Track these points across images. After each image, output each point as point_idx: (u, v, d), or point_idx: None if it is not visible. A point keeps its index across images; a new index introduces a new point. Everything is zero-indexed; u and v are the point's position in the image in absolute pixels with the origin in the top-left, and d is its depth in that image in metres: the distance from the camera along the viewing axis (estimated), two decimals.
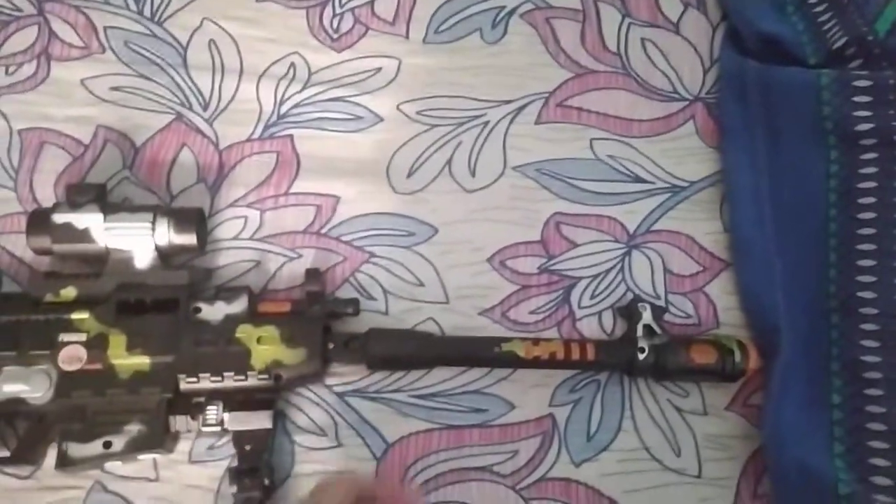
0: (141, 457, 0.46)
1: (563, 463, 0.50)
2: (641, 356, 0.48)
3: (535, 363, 0.48)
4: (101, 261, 0.47)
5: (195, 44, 0.56)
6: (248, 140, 0.55)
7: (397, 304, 0.52)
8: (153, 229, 0.47)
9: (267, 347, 0.46)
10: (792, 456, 0.46)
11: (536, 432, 0.50)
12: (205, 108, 0.55)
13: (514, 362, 0.49)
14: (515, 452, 0.50)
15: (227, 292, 0.48)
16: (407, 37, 0.58)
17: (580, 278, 0.53)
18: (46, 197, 0.52)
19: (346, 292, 0.52)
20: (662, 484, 0.50)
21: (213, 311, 0.47)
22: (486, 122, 0.56)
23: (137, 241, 0.47)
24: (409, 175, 0.54)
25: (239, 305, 0.47)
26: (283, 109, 0.55)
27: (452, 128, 0.56)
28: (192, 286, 0.48)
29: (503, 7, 0.59)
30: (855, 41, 0.52)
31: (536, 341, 0.49)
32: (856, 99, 0.50)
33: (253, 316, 0.47)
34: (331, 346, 0.48)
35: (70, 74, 0.55)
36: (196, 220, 0.48)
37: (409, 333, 0.50)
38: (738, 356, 0.48)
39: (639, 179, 0.55)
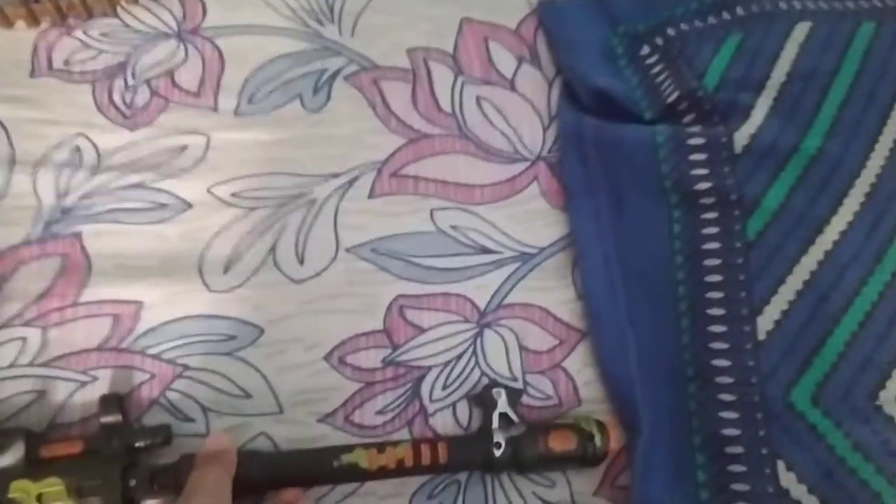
0: None
1: None
2: (498, 452, 0.44)
3: (382, 473, 0.43)
4: None
5: None
6: (25, 244, 0.46)
7: (220, 421, 0.45)
8: None
9: None
10: None
11: None
12: None
13: (358, 475, 0.43)
14: None
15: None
16: (216, 109, 0.51)
17: (430, 367, 0.48)
18: None
19: (155, 417, 0.44)
20: None
21: None
22: (313, 201, 0.50)
23: None
24: (227, 269, 0.47)
25: (13, 455, 0.39)
26: (68, 203, 0.47)
27: (274, 209, 0.49)
28: None
29: (325, 70, 0.53)
30: (686, 96, 0.51)
31: (382, 447, 0.43)
32: (692, 157, 0.48)
33: (32, 466, 0.39)
34: (132, 483, 0.40)
35: None
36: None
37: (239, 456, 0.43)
38: (598, 440, 0.45)
39: (485, 250, 0.51)
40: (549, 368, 0.50)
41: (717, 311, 0.46)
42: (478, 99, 0.55)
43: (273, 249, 0.48)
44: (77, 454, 0.40)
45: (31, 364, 0.43)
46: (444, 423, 0.47)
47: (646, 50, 0.54)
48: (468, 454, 0.44)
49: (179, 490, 0.40)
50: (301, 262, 0.49)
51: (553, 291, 0.51)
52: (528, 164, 0.54)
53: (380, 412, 0.47)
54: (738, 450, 0.43)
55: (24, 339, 0.44)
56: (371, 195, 0.51)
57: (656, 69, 0.53)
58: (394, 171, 0.52)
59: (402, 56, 0.55)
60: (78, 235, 0.46)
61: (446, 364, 0.49)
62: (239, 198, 0.49)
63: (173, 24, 0.52)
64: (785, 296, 0.45)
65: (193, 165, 0.49)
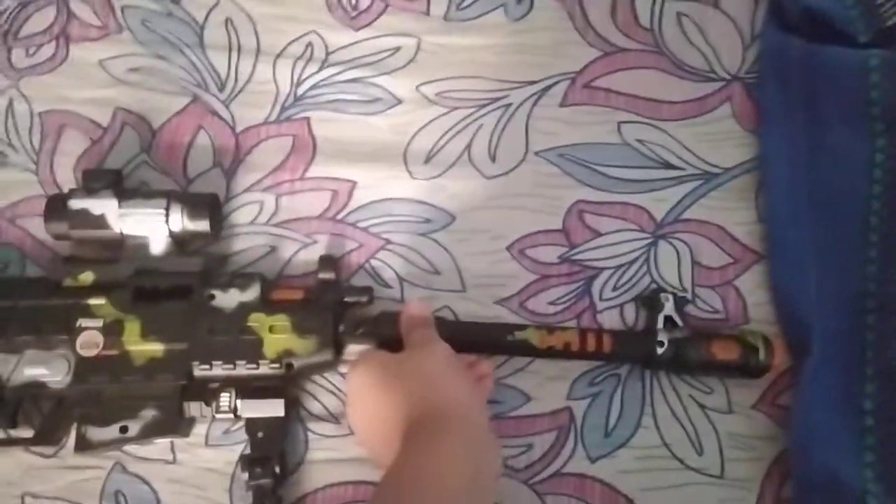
0: (157, 441, 0.47)
1: (578, 458, 0.49)
2: (660, 350, 0.46)
3: (549, 353, 0.47)
4: (117, 246, 0.47)
5: (212, 22, 0.55)
6: (265, 123, 0.54)
7: (413, 291, 0.51)
8: (167, 215, 0.46)
9: (279, 336, 0.46)
10: (819, 462, 0.44)
11: (552, 426, 0.49)
12: (221, 90, 0.54)
13: (527, 350, 0.48)
14: (530, 446, 0.49)
15: (240, 279, 0.48)
16: (427, 13, 0.55)
17: (602, 269, 0.52)
18: (67, 180, 0.52)
19: (360, 279, 0.51)
20: (682, 483, 0.48)
21: (227, 299, 0.47)
22: (509, 105, 0.54)
23: (152, 227, 0.47)
24: (427, 160, 0.53)
25: (252, 293, 0.47)
26: (300, 91, 0.54)
27: (473, 110, 0.54)
28: (207, 273, 0.48)
29: None
30: None
31: (552, 329, 0.47)
32: None
33: (266, 304, 0.47)
34: (341, 329, 0.47)
35: (88, 56, 0.54)
36: (209, 206, 0.48)
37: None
38: (762, 353, 0.46)
39: (669, 165, 0.53)
40: (719, 284, 0.51)
41: None
42: (678, 15, 0.55)
43: (469, 146, 0.53)
44: (299, 300, 0.48)
45: (266, 223, 0.52)
46: (610, 321, 0.51)
47: None
48: (631, 348, 0.47)
49: (379, 339, 0.47)
50: (493, 160, 0.53)
51: (733, 212, 0.52)
52: (723, 83, 0.54)
53: (552, 303, 0.51)
54: None
55: (261, 202, 0.52)
56: (563, 104, 0.54)
57: None
58: (586, 82, 0.54)
59: None
60: (307, 120, 0.54)
61: (618, 267, 0.51)
62: (442, 97, 0.54)
63: None
64: None
65: (405, 65, 0.54)
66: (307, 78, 0.54)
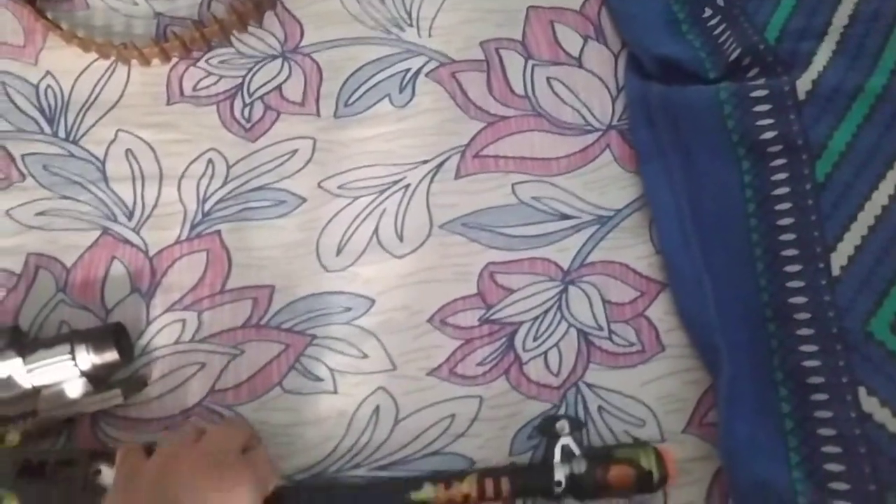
0: None
1: None
2: (558, 489, 0.47)
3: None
4: (32, 400, 0.47)
5: (112, 156, 0.57)
6: (177, 242, 0.55)
7: (345, 380, 0.52)
8: (74, 357, 0.47)
9: None
10: (749, 472, 0.46)
11: None
12: (130, 218, 0.56)
13: None
14: None
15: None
16: (318, 115, 0.58)
17: (521, 322, 0.54)
18: None
19: (292, 380, 0.52)
20: None
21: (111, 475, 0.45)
22: (407, 186, 0.57)
23: (63, 373, 0.47)
24: (339, 252, 0.55)
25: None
26: (207, 207, 0.56)
27: (374, 196, 0.56)
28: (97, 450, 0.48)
29: (408, 70, 0.60)
30: (748, 51, 0.53)
31: (448, 483, 0.47)
32: (756, 109, 0.50)
33: None
34: None
35: None
36: (113, 335, 0.49)
37: (315, 494, 0.48)
38: (655, 475, 0.47)
39: (565, 216, 0.56)
40: (632, 317, 0.54)
41: (790, 252, 0.48)
42: (548, 79, 0.59)
43: (376, 231, 0.56)
44: None
45: (191, 341, 0.53)
46: (536, 371, 0.53)
47: (707, 12, 0.57)
48: (530, 487, 0.48)
49: None
50: (401, 240, 0.55)
51: (631, 248, 0.55)
52: (600, 133, 0.58)
53: (479, 364, 0.53)
54: (819, 380, 0.45)
55: (184, 320, 0.53)
56: (457, 176, 0.57)
57: (718, 30, 0.55)
58: (476, 152, 0.57)
59: (476, 49, 0.60)
60: (217, 233, 0.55)
61: (536, 319, 0.54)
62: (344, 189, 0.57)
63: (277, 47, 0.60)
64: (857, 231, 0.47)
65: (304, 165, 0.57)
66: (212, 194, 0.56)
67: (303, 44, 0.61)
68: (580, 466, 0.47)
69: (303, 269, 0.55)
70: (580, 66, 0.60)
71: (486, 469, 0.49)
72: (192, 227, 0.56)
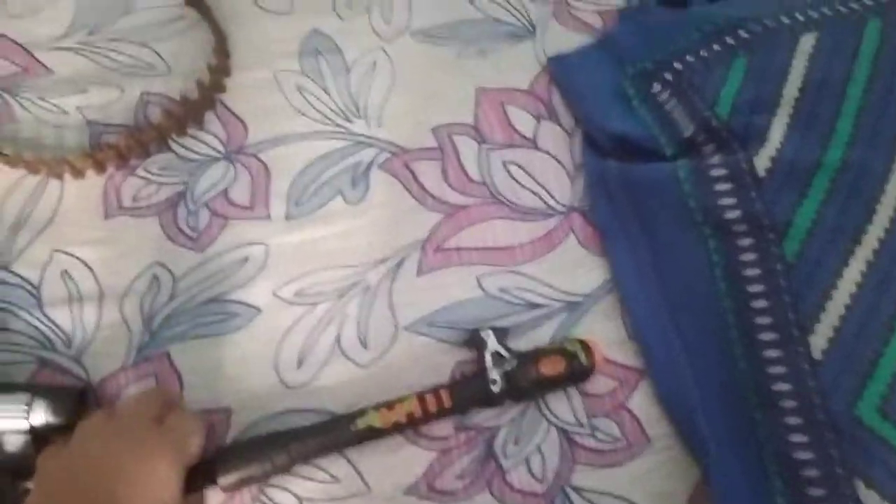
0: None
1: None
2: (495, 388, 0.48)
3: (397, 428, 0.48)
4: None
5: (48, 279, 0.53)
6: (122, 369, 0.51)
7: None
8: (27, 412, 0.45)
9: None
10: None
11: None
12: (69, 346, 0.51)
13: (374, 434, 0.47)
14: None
15: None
16: (269, 217, 0.56)
17: (499, 426, 0.51)
18: None
19: None
20: None
21: None
22: (367, 287, 0.54)
23: (10, 424, 0.45)
24: (300, 364, 0.52)
25: None
26: (154, 326, 0.52)
27: (333, 301, 0.53)
28: None
29: (359, 163, 0.57)
30: (702, 127, 0.52)
31: (391, 405, 0.48)
32: (717, 188, 0.50)
33: None
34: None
35: None
36: (77, 399, 0.47)
37: (254, 443, 0.47)
38: (583, 357, 0.50)
39: (534, 306, 0.54)
40: (612, 410, 0.51)
41: (768, 336, 0.47)
42: (503, 163, 0.58)
43: (338, 339, 0.52)
44: None
45: None
46: (520, 479, 0.50)
47: (656, 87, 0.56)
48: (469, 395, 0.49)
49: None
50: (365, 346, 0.52)
51: (604, 335, 0.53)
52: (562, 216, 0.56)
53: (459, 476, 0.50)
54: (814, 473, 0.44)
55: None
56: (419, 272, 0.54)
57: (669, 104, 0.55)
58: (437, 246, 0.55)
59: (428, 136, 0.59)
60: (166, 354, 0.52)
61: (512, 421, 0.51)
62: (301, 296, 0.53)
63: (220, 148, 0.57)
64: (834, 311, 0.46)
65: (257, 273, 0.54)
66: (158, 311, 0.53)
67: (247, 142, 0.58)
68: (512, 364, 0.49)
69: (261, 388, 0.51)
70: (535, 147, 0.59)
71: (426, 389, 0.49)
72: (139, 350, 0.52)
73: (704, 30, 0.56)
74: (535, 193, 0.57)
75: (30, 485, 0.44)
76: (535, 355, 0.50)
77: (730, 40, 0.54)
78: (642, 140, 0.54)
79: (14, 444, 0.45)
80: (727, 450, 0.46)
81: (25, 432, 0.45)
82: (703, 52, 0.55)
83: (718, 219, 0.49)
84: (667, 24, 0.59)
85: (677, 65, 0.55)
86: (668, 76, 0.56)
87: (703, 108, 0.52)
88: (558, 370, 0.49)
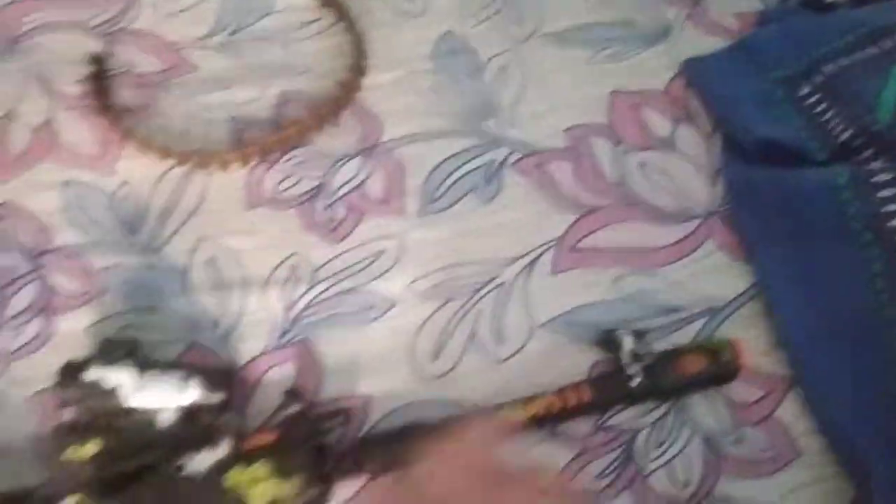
0: None
1: None
2: (634, 382, 0.47)
3: (536, 421, 0.47)
4: (123, 417, 0.45)
5: (195, 265, 0.55)
6: (264, 353, 0.52)
7: None
8: (182, 389, 0.45)
9: (262, 486, 0.44)
10: None
11: None
12: (215, 328, 0.53)
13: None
14: None
15: (210, 438, 0.45)
16: (403, 213, 0.57)
17: (639, 429, 0.50)
18: None
19: None
20: None
21: (198, 463, 0.45)
22: (502, 284, 0.54)
23: (164, 400, 0.45)
24: (435, 357, 0.52)
25: (223, 449, 0.45)
26: (294, 314, 0.53)
27: (468, 297, 0.54)
28: (174, 440, 0.46)
29: (493, 161, 0.58)
30: (861, 132, 0.50)
31: (530, 399, 0.48)
32: (881, 194, 0.48)
33: (240, 456, 0.45)
34: (323, 462, 0.45)
35: (75, 324, 0.53)
36: (227, 378, 0.47)
37: (399, 432, 0.48)
38: (727, 355, 0.48)
39: (672, 310, 0.53)
40: (760, 420, 0.49)
41: None
42: (639, 165, 0.57)
43: (474, 334, 0.52)
44: (274, 442, 0.46)
45: None
46: (662, 484, 0.48)
47: (805, 90, 0.55)
48: (609, 390, 0.48)
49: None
50: (500, 342, 0.52)
51: (747, 342, 0.51)
52: (701, 220, 0.55)
53: (598, 476, 0.49)
54: None
55: None
56: (553, 271, 0.54)
57: (820, 108, 0.53)
58: (571, 246, 0.55)
59: (561, 136, 0.59)
60: (306, 341, 0.53)
61: (653, 424, 0.50)
62: (437, 289, 0.54)
63: (357, 145, 0.59)
64: None
65: (392, 266, 0.55)
66: (298, 299, 0.54)
67: (382, 139, 0.59)
68: (651, 360, 0.48)
69: (398, 377, 0.51)
70: (672, 150, 0.58)
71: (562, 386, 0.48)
72: (280, 335, 0.53)
73: (857, 33, 0.54)
74: (672, 196, 0.56)
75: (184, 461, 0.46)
76: (676, 352, 0.49)
77: (888, 43, 0.52)
78: (791, 145, 0.52)
79: (168, 421, 0.46)
80: (890, 468, 0.44)
81: (180, 410, 0.46)
82: (857, 56, 0.53)
83: (881, 226, 0.47)
84: (811, 28, 0.57)
85: (829, 67, 0.54)
86: (819, 80, 0.54)
87: (861, 113, 0.51)
88: (701, 367, 0.48)
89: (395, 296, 0.54)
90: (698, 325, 0.52)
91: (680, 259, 0.54)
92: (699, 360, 0.48)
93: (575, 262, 0.54)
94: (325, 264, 0.55)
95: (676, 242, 0.55)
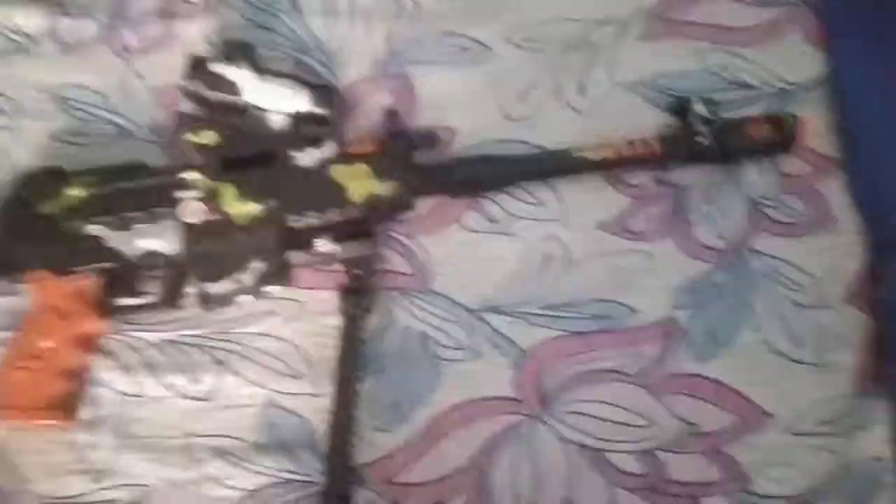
0: (267, 289, 0.50)
1: (687, 360, 0.52)
2: (702, 140, 0.52)
3: (606, 164, 0.52)
4: (238, 114, 0.50)
5: None
6: (364, 80, 0.57)
7: (520, 224, 0.55)
8: (293, 96, 0.50)
9: (360, 182, 0.50)
10: None
11: (659, 334, 0.53)
12: (321, 52, 0.58)
13: (587, 165, 0.53)
14: (640, 354, 0.53)
15: (317, 139, 0.51)
16: None
17: (693, 186, 0.55)
18: None
19: (469, 219, 0.55)
20: (785, 376, 0.52)
21: (307, 158, 0.51)
22: (591, 43, 0.57)
23: (277, 104, 0.50)
24: (521, 101, 0.57)
25: (329, 150, 0.51)
26: (396, 47, 0.58)
27: (558, 53, 0.57)
28: (285, 137, 0.51)
29: None
30: None
31: (604, 143, 0.52)
32: None
33: (343, 157, 0.51)
34: (415, 180, 0.51)
35: (194, 30, 0.58)
36: (333, 94, 0.52)
37: (480, 161, 0.53)
38: (789, 126, 0.52)
39: (747, 86, 0.57)
40: (803, 190, 0.55)
41: None
42: None
43: (558, 85, 0.57)
44: (374, 151, 0.52)
45: None
46: (705, 234, 0.53)
47: None
48: (677, 145, 0.52)
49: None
50: (582, 95, 0.57)
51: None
52: (791, 7, 0.58)
53: (648, 220, 0.54)
54: None
55: None
56: (642, 37, 0.58)
57: None
58: (663, 15, 0.58)
59: None
60: (405, 74, 0.57)
61: (707, 184, 0.54)
62: (528, 42, 0.58)
63: None
64: None
65: (492, 15, 0.59)
66: (401, 34, 0.58)
67: None
68: (719, 123, 0.52)
69: (485, 116, 0.57)
70: None
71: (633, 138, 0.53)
72: (382, 65, 0.58)
73: None
74: None
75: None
76: (743, 119, 0.53)
77: None
78: None
79: (278, 123, 0.50)
80: None
81: (289, 115, 0.50)
82: None
83: None
84: None
85: None
86: None
87: None
88: (764, 133, 0.52)
89: (491, 44, 0.58)
90: (767, 103, 0.56)
91: (765, 41, 0.57)
92: (763, 127, 0.52)
93: (664, 32, 0.58)
94: (429, 4, 0.59)
95: (764, 24, 0.57)
